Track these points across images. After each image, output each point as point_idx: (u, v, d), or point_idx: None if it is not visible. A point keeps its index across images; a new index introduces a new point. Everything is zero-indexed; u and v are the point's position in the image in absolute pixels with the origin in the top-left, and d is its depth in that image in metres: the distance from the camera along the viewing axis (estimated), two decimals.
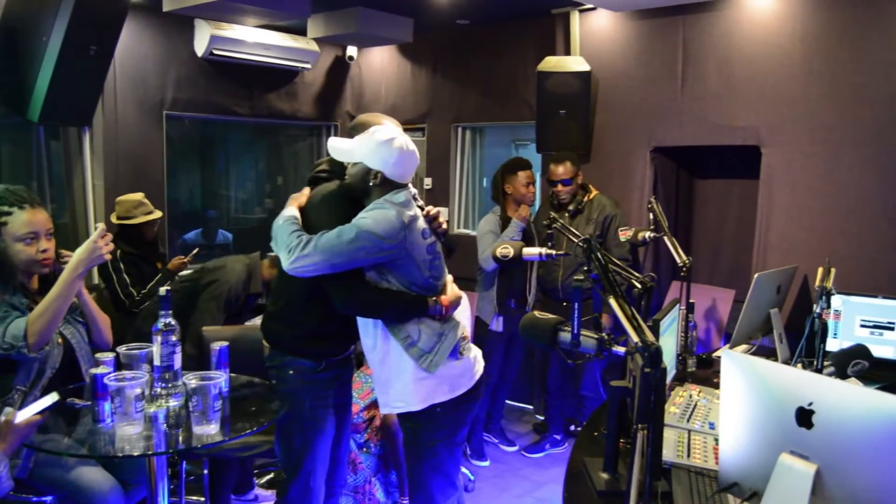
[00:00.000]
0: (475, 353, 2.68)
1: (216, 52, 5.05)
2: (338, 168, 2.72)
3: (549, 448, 4.62)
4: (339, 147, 2.56)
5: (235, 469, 3.56)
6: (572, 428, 4.78)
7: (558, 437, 4.66)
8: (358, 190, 2.55)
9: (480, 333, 4.28)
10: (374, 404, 3.62)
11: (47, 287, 2.58)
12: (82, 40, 3.63)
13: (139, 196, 4.37)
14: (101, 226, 2.64)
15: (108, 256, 2.62)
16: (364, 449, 3.60)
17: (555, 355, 4.50)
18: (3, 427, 1.99)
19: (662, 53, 4.50)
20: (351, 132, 2.70)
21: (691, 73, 4.40)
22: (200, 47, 5.05)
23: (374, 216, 2.43)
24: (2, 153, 3.44)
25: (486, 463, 4.42)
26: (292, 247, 2.42)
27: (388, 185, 2.51)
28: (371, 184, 2.50)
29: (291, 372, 2.67)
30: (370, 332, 2.57)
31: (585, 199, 4.41)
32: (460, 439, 2.64)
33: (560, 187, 4.36)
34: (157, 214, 4.44)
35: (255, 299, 3.76)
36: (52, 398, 2.16)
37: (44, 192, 4.46)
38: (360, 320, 2.60)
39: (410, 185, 2.64)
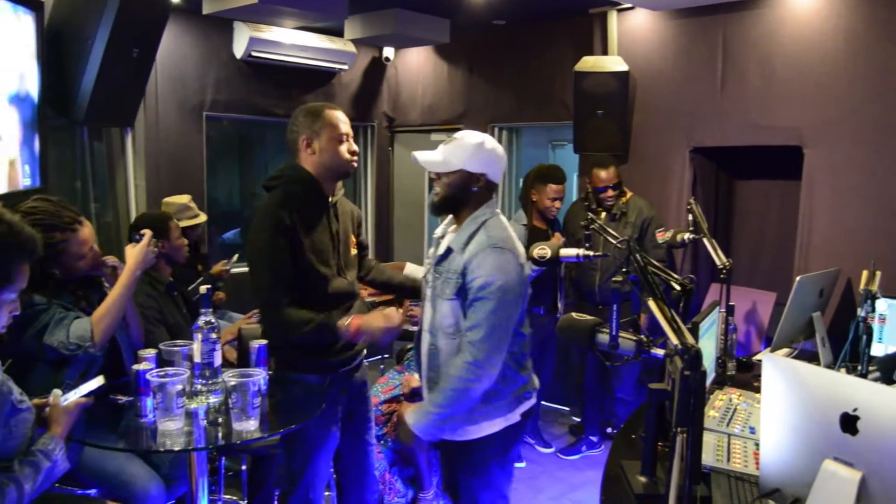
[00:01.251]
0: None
1: (255, 53, 5.11)
2: (289, 174, 2.65)
3: (585, 450, 4.59)
4: (431, 159, 2.42)
5: (277, 465, 3.58)
6: (609, 430, 4.75)
7: (594, 438, 4.62)
8: (455, 199, 2.40)
9: None
10: (395, 399, 3.63)
11: (86, 284, 2.75)
12: (125, 43, 3.70)
13: (185, 199, 4.37)
14: (149, 233, 2.79)
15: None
16: (381, 442, 3.61)
17: (592, 357, 4.46)
18: (53, 411, 2.04)
19: (702, 52, 4.45)
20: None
21: (731, 72, 4.33)
22: (239, 49, 5.12)
23: (498, 268, 2.26)
24: (48, 154, 3.51)
25: (523, 464, 4.38)
26: (465, 377, 2.25)
27: (489, 189, 2.42)
28: (475, 189, 2.38)
29: (297, 388, 2.65)
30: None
31: (622, 200, 4.36)
32: (514, 456, 2.55)
33: (610, 192, 4.29)
34: (202, 219, 4.41)
35: None
36: (97, 381, 2.23)
37: (87, 192, 4.55)
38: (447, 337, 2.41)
39: None
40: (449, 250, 2.39)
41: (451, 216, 2.49)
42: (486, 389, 2.29)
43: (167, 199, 4.39)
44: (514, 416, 2.42)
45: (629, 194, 4.40)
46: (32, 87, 3.34)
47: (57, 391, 2.12)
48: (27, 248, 1.85)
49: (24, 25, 3.22)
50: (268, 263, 2.50)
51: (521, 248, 2.39)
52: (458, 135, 2.42)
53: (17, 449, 1.89)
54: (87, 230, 2.69)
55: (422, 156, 2.45)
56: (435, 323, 2.41)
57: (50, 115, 3.57)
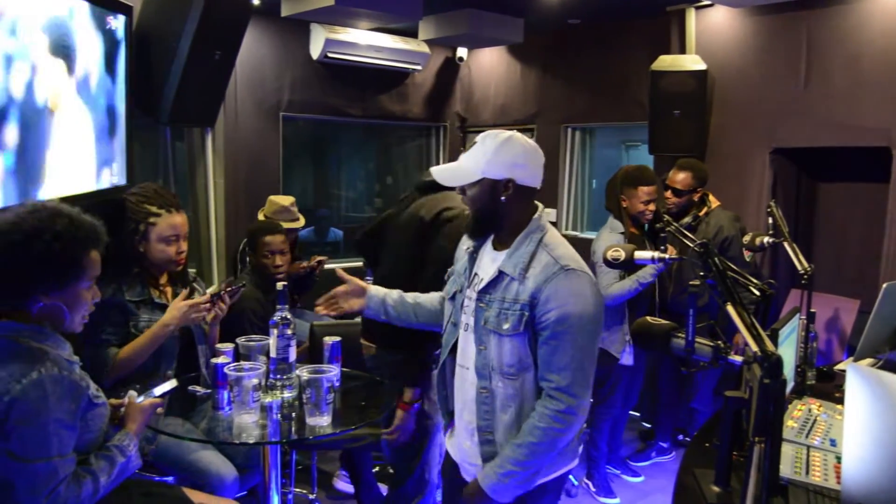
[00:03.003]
0: None
1: (330, 55, 5.20)
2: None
3: (655, 456, 4.50)
4: (447, 171, 2.10)
5: (370, 452, 3.61)
6: (680, 437, 4.65)
7: (665, 444, 4.53)
8: (487, 214, 2.05)
9: (605, 364, 3.81)
10: None
11: (176, 281, 2.91)
12: (208, 46, 3.81)
13: (287, 202, 4.36)
14: (213, 289, 2.91)
15: (209, 318, 2.83)
16: None
17: (666, 362, 4.37)
18: (129, 408, 2.11)
19: (784, 50, 4.31)
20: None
21: (816, 70, 4.19)
22: (316, 50, 5.22)
23: (577, 294, 1.95)
24: (135, 153, 3.65)
25: (617, 500, 4.03)
26: (556, 427, 1.96)
27: (524, 196, 2.05)
28: (503, 198, 2.02)
29: (406, 369, 2.66)
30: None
31: (701, 212, 4.09)
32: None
33: (670, 194, 4.08)
34: (299, 223, 4.42)
35: None
36: (171, 384, 2.32)
37: (169, 189, 4.71)
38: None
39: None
40: (501, 275, 2.04)
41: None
42: None
43: (272, 197, 4.42)
44: (577, 459, 2.19)
45: (714, 204, 4.13)
46: (122, 88, 3.48)
47: (132, 392, 2.21)
48: (91, 237, 1.89)
49: (117, 26, 3.36)
50: None
51: (587, 267, 2.06)
52: (477, 138, 2.08)
53: (93, 443, 1.95)
54: (179, 218, 2.85)
55: (439, 170, 2.11)
56: (485, 363, 2.05)
57: (137, 114, 3.71)
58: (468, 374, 2.12)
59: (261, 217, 4.40)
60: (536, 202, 2.11)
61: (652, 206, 3.75)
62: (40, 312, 1.84)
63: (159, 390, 2.28)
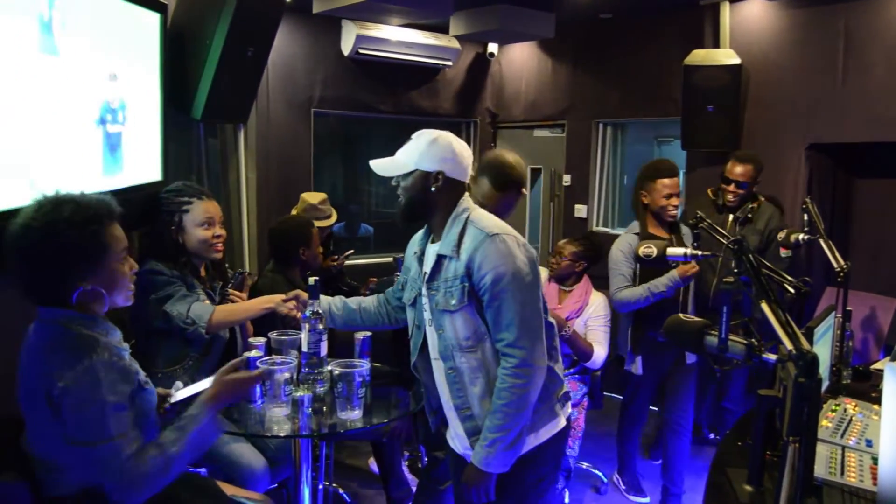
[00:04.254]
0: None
1: (362, 51, 5.22)
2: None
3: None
4: (384, 163, 2.29)
5: (399, 446, 3.63)
6: (711, 436, 4.59)
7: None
8: (417, 203, 2.23)
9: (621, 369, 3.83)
10: None
11: (214, 276, 3.04)
12: (241, 43, 3.84)
13: (316, 199, 4.33)
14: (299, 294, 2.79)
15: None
16: None
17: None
18: (227, 381, 2.09)
19: (821, 44, 4.24)
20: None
21: (853, 64, 4.11)
22: (347, 47, 5.24)
23: (505, 254, 2.13)
24: (169, 149, 3.70)
25: (647, 499, 3.98)
26: (518, 383, 2.10)
27: (452, 188, 2.22)
28: (433, 189, 2.19)
29: None
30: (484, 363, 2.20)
31: (753, 205, 4.05)
32: (561, 474, 2.46)
33: (733, 188, 4.01)
34: (328, 222, 4.38)
35: None
36: (208, 382, 2.33)
37: (202, 185, 4.75)
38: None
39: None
40: (439, 259, 2.21)
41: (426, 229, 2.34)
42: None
43: (304, 194, 4.41)
44: (562, 420, 2.29)
45: (761, 199, 4.09)
46: (156, 85, 3.53)
47: (178, 383, 2.26)
48: (103, 212, 1.88)
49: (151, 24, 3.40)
50: None
51: (515, 232, 2.21)
52: (414, 135, 2.25)
53: (145, 426, 1.97)
54: (211, 204, 2.97)
55: (377, 163, 2.30)
56: (446, 343, 2.20)
57: (172, 111, 3.76)
58: (437, 363, 2.27)
59: (293, 213, 4.41)
60: (462, 195, 2.26)
61: (674, 201, 3.54)
62: (81, 299, 1.86)
63: (198, 387, 2.28)
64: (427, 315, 2.27)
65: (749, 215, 4.04)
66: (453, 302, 2.16)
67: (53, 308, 1.87)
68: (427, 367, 2.32)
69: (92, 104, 2.85)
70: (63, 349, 1.81)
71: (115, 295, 1.93)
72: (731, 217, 4.09)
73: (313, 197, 4.37)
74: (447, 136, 2.22)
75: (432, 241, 2.29)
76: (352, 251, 4.49)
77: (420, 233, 2.39)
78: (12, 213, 1.91)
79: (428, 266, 2.25)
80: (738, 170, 4.00)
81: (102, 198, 1.91)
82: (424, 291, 2.25)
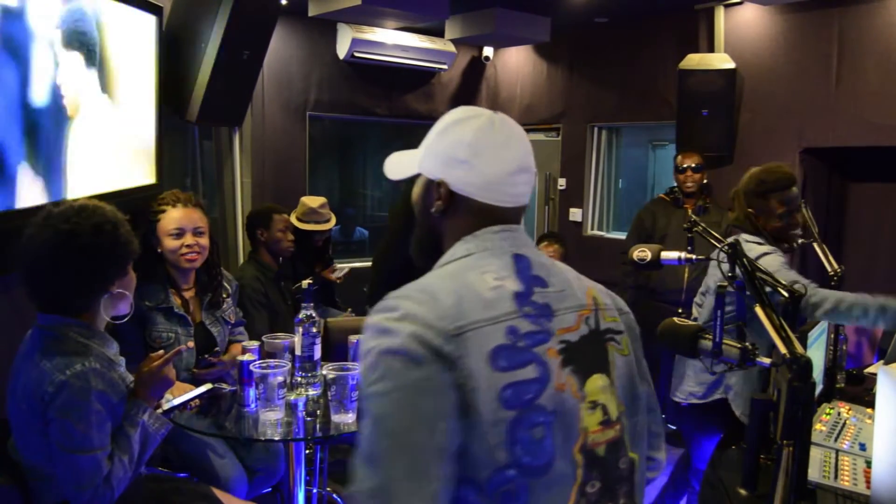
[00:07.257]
0: None
1: (357, 54, 5.22)
2: None
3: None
4: (390, 161, 1.52)
5: None
6: None
7: None
8: (422, 232, 1.38)
9: None
10: None
11: (203, 285, 2.89)
12: (236, 46, 3.84)
13: (316, 203, 4.33)
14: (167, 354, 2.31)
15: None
16: None
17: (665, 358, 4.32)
18: (137, 376, 2.00)
19: (815, 49, 4.26)
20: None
21: (847, 68, 4.13)
22: (342, 50, 5.24)
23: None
24: (164, 151, 3.70)
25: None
26: None
27: (466, 210, 1.29)
28: (432, 209, 1.31)
29: None
30: None
31: (707, 199, 4.35)
32: None
33: (689, 174, 4.31)
34: (328, 226, 4.38)
35: None
36: (206, 387, 2.33)
37: (197, 188, 4.76)
38: None
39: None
40: None
41: None
42: None
43: (304, 198, 4.40)
44: None
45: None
46: (152, 88, 3.52)
47: (168, 395, 2.23)
48: (119, 217, 1.92)
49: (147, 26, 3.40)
50: None
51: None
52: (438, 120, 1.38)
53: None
54: (186, 213, 2.78)
55: (389, 160, 1.53)
56: None
57: (166, 114, 3.75)
58: None
59: (293, 218, 4.40)
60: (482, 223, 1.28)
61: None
62: (105, 304, 1.88)
63: (194, 392, 2.28)
64: None
65: (707, 204, 4.31)
66: None
67: (53, 315, 1.87)
68: None
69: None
70: (57, 354, 1.81)
71: (132, 299, 1.97)
72: (689, 210, 4.26)
73: (313, 201, 4.37)
74: (469, 122, 1.29)
75: None
76: (349, 270, 4.52)
77: None
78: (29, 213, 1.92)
79: None
80: (688, 159, 4.34)
81: (109, 204, 1.94)
82: None
